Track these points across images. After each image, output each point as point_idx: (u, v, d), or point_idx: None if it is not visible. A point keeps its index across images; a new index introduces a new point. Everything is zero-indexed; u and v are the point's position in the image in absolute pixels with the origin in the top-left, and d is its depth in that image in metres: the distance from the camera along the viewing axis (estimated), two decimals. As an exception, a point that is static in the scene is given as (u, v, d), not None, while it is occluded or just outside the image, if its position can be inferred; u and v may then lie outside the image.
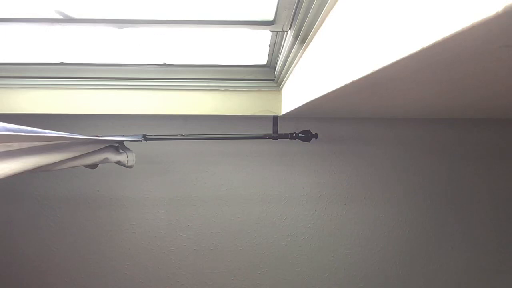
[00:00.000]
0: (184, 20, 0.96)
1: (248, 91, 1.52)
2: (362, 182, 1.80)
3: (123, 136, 1.45)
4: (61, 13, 0.91)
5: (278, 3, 0.83)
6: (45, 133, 0.96)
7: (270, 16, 0.92)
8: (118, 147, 1.32)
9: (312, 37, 0.78)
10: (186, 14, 0.94)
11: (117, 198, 1.77)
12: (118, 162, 1.30)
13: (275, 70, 1.46)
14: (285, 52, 1.06)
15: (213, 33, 1.13)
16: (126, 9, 0.92)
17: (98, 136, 1.26)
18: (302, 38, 0.86)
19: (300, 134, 1.58)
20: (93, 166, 1.28)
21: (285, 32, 1.01)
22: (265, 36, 1.15)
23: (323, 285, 1.84)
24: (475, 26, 0.24)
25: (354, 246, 1.83)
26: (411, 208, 1.82)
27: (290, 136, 1.58)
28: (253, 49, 1.29)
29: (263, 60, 1.42)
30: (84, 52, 1.34)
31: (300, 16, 0.78)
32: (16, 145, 0.88)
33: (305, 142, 1.61)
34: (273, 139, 1.59)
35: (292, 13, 0.85)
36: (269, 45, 1.23)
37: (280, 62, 1.23)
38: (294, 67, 1.08)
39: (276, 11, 0.88)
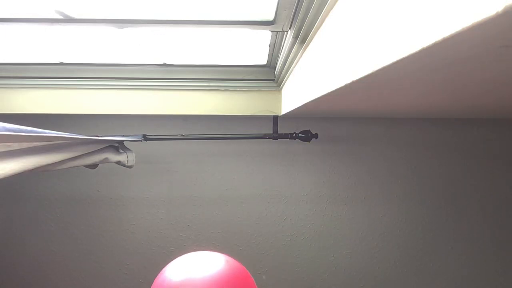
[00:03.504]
0: (184, 20, 0.96)
1: (248, 91, 1.52)
2: (362, 182, 1.80)
3: (123, 136, 1.45)
4: (61, 13, 0.91)
5: (278, 3, 0.83)
6: (45, 133, 0.96)
7: (270, 16, 0.92)
8: (118, 147, 1.32)
9: (312, 37, 0.78)
10: (186, 14, 0.94)
11: (117, 198, 1.77)
12: (118, 162, 1.30)
13: (275, 70, 1.46)
14: (285, 52, 1.06)
15: (213, 33, 1.13)
16: (126, 9, 0.92)
17: (98, 136, 1.27)
18: (302, 38, 0.86)
19: (300, 134, 1.58)
20: (93, 166, 1.28)
21: (285, 32, 1.01)
22: (265, 36, 1.15)
23: (323, 285, 1.84)
24: (475, 26, 0.24)
25: (354, 246, 1.83)
26: (411, 208, 1.82)
27: (290, 136, 1.58)
28: (253, 49, 1.29)
29: (263, 60, 1.42)
30: (84, 52, 1.34)
31: (300, 16, 0.78)
32: (16, 145, 0.88)
33: (305, 142, 1.61)
34: (273, 139, 1.59)
35: (292, 13, 0.85)
36: (269, 45, 1.24)
37: (280, 62, 1.23)
38: (294, 67, 1.09)
39: (276, 11, 0.88)
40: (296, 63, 1.03)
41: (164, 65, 1.47)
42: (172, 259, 0.99)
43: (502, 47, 0.31)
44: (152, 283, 0.94)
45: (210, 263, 0.94)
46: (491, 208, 1.82)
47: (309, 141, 1.59)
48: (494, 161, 1.80)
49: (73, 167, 1.14)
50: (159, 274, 0.96)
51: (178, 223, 1.79)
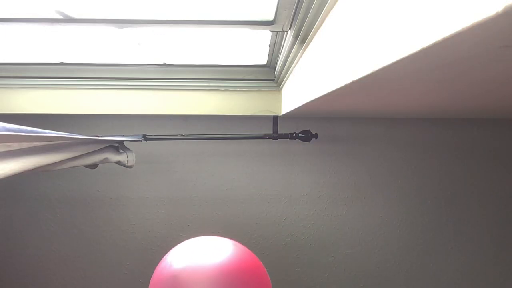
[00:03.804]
0: (184, 20, 0.96)
1: (248, 91, 1.52)
2: (362, 182, 1.80)
3: (123, 136, 1.45)
4: (61, 13, 0.91)
5: (278, 3, 0.83)
6: (45, 133, 0.96)
7: (270, 16, 0.92)
8: (118, 147, 1.32)
9: (312, 37, 0.78)
10: (186, 14, 0.94)
11: (117, 198, 1.77)
12: (118, 162, 1.30)
13: (275, 70, 1.46)
14: (285, 52, 1.06)
15: (213, 33, 1.13)
16: (126, 9, 0.92)
17: (98, 136, 1.27)
18: (302, 38, 0.86)
19: (300, 134, 1.58)
20: (93, 166, 1.28)
21: (285, 32, 1.01)
22: (265, 36, 1.15)
23: (323, 285, 1.84)
24: (475, 26, 0.24)
25: (354, 246, 1.83)
26: (411, 208, 1.82)
27: (290, 136, 1.58)
28: (253, 49, 1.29)
29: (263, 60, 1.42)
30: (84, 52, 1.34)
31: (300, 16, 0.78)
32: (16, 145, 0.88)
33: (305, 142, 1.61)
34: (273, 139, 1.59)
35: (292, 13, 0.85)
36: (269, 45, 1.24)
37: (280, 62, 1.23)
38: (294, 67, 1.09)
39: (276, 11, 0.88)
40: (296, 63, 1.03)
41: (164, 65, 1.47)
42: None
43: (502, 47, 0.31)
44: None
45: (216, 248, 0.90)
46: (491, 208, 1.82)
47: (309, 141, 1.59)
48: (494, 161, 1.80)
49: (73, 167, 1.14)
50: (161, 260, 0.93)
51: (178, 223, 1.79)
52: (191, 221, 1.79)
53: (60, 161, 1.03)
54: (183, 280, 0.82)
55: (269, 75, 1.50)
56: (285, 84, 1.36)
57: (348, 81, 0.51)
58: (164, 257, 0.94)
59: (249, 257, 0.90)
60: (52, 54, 1.35)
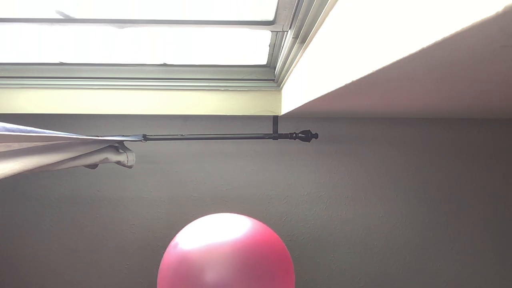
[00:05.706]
0: (184, 20, 0.96)
1: (248, 91, 1.52)
2: (362, 182, 1.80)
3: (123, 136, 1.45)
4: (61, 13, 0.91)
5: (278, 3, 0.83)
6: (45, 133, 0.96)
7: (270, 16, 0.92)
8: (118, 147, 1.32)
9: (312, 37, 0.78)
10: (186, 14, 0.94)
11: (117, 198, 1.77)
12: (118, 162, 1.30)
13: (275, 70, 1.46)
14: (285, 52, 1.06)
15: (213, 33, 1.13)
16: (126, 9, 0.92)
17: (98, 136, 1.27)
18: (302, 38, 0.86)
19: (300, 134, 1.58)
20: (93, 166, 1.28)
21: (285, 32, 1.01)
22: (265, 36, 1.15)
23: (323, 285, 1.84)
24: (475, 26, 0.24)
25: (354, 246, 1.83)
26: (411, 208, 1.82)
27: (290, 136, 1.58)
28: (253, 49, 1.29)
29: (263, 60, 1.42)
30: (84, 52, 1.34)
31: (300, 16, 0.78)
32: (16, 145, 0.88)
33: (305, 142, 1.61)
34: (273, 139, 1.59)
35: (292, 13, 0.85)
36: (269, 45, 1.24)
37: (280, 62, 1.23)
38: (294, 67, 1.09)
39: (276, 11, 0.88)
40: (296, 63, 1.03)
41: (164, 65, 1.47)
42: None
43: (502, 47, 0.31)
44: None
45: (230, 225, 0.87)
46: (491, 208, 1.82)
47: (309, 141, 1.59)
48: (494, 161, 1.80)
49: (73, 167, 1.14)
50: (172, 240, 0.91)
51: (178, 223, 1.79)
52: (191, 221, 1.79)
53: (60, 161, 1.03)
54: (195, 259, 0.79)
55: (269, 75, 1.50)
56: (285, 84, 1.36)
57: (348, 81, 0.51)
58: (174, 238, 0.92)
59: (266, 231, 0.87)
60: (52, 54, 1.36)
